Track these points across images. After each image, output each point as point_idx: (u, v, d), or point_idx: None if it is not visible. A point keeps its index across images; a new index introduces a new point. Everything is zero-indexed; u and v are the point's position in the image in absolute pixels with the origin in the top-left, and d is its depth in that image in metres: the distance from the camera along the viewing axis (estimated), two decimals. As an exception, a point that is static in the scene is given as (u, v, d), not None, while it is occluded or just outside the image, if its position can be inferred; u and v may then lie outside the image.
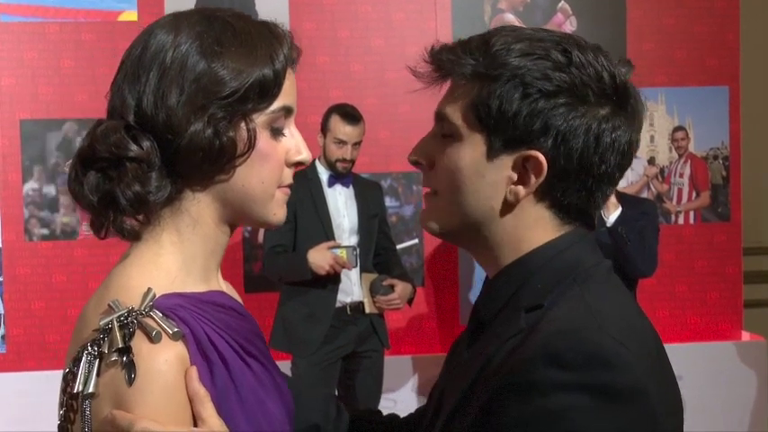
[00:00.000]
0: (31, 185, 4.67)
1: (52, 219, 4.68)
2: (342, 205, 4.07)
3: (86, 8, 4.67)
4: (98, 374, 1.06)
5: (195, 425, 1.07)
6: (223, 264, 1.28)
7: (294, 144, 1.20)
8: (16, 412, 4.40)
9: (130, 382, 1.03)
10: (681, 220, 5.04)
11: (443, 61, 1.16)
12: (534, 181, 1.14)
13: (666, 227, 4.83)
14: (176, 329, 1.07)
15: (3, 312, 4.65)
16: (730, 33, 4.97)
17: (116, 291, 1.11)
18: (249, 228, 4.59)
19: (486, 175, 1.15)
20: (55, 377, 5.00)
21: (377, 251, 4.19)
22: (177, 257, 1.16)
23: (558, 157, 1.12)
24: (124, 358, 1.04)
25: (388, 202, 4.73)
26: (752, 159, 5.14)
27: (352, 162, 4.02)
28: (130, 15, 4.69)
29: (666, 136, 5.00)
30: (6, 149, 4.64)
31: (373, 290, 3.99)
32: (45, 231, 4.68)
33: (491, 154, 1.15)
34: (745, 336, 5.02)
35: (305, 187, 3.98)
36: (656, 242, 3.84)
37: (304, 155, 1.21)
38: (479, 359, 1.14)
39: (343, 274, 3.95)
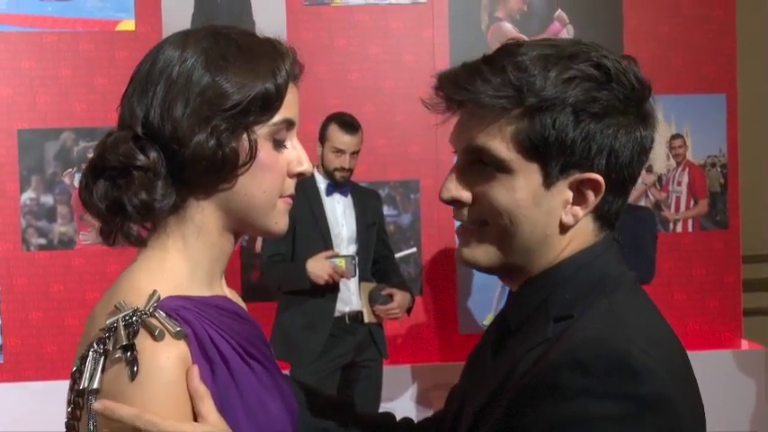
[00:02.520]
0: (28, 195, 4.67)
1: (50, 228, 4.68)
2: (340, 214, 4.07)
3: (84, 18, 4.68)
4: (103, 371, 1.11)
5: (196, 421, 1.11)
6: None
7: (296, 155, 1.25)
8: (14, 424, 4.39)
9: (133, 377, 1.07)
10: (679, 228, 5.04)
11: (474, 90, 1.14)
12: (593, 200, 1.16)
13: (665, 235, 4.83)
14: (179, 329, 1.11)
15: (0, 323, 4.64)
16: (727, 40, 4.98)
17: (123, 293, 1.17)
18: (247, 236, 4.59)
19: (543, 203, 1.16)
20: (53, 388, 5.00)
21: (375, 260, 4.19)
22: (182, 263, 1.21)
23: (611, 173, 1.15)
24: (128, 354, 1.09)
25: (387, 210, 4.73)
26: (750, 167, 5.14)
27: (351, 171, 4.02)
28: (128, 25, 4.69)
29: (664, 144, 5.00)
30: (4, 159, 4.64)
31: (372, 299, 3.98)
32: (42, 241, 4.67)
33: (548, 182, 1.15)
34: (745, 344, 5.01)
35: (303, 196, 3.98)
36: (653, 250, 3.83)
37: (305, 166, 1.26)
38: (505, 365, 1.16)
39: (342, 283, 3.95)
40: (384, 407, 4.29)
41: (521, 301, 1.21)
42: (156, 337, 1.09)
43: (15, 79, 4.65)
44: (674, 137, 5.01)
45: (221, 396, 1.15)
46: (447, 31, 4.85)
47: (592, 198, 1.15)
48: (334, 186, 4.04)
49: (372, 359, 4.11)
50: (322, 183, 4.06)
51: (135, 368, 1.08)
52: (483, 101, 1.14)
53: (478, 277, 4.82)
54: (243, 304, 1.38)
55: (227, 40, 1.20)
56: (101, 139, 1.21)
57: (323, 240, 3.96)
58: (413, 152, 4.76)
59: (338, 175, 3.99)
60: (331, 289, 3.91)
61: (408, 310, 4.09)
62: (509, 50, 1.17)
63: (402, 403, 4.70)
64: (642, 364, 1.02)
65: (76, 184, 4.63)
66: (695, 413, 1.10)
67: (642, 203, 4.92)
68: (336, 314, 3.98)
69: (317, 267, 3.81)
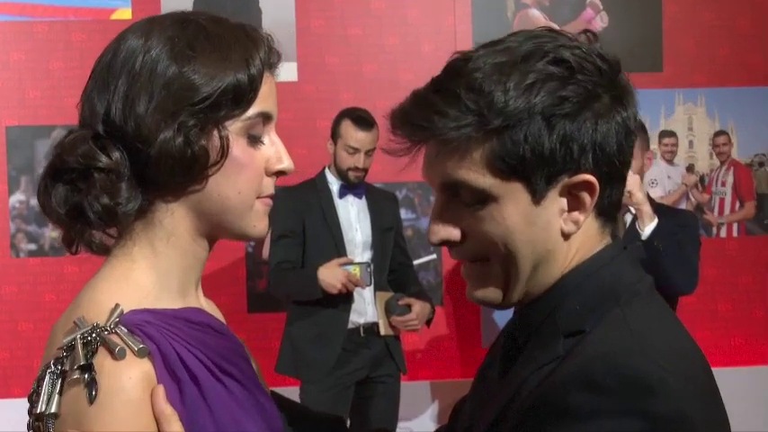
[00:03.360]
0: (17, 197, 4.69)
1: (40, 233, 4.70)
2: (354, 218, 4.07)
3: (77, 6, 4.71)
4: (60, 393, 1.09)
5: None
6: (224, 282, 1.29)
7: (274, 152, 1.24)
8: (1, 443, 4.41)
9: (92, 400, 1.06)
10: (723, 233, 5.02)
11: (433, 126, 1.14)
12: (590, 202, 1.15)
13: (708, 240, 4.81)
14: (141, 346, 1.10)
15: (-13, 335, 4.67)
16: (776, 29, 4.97)
17: (84, 307, 1.15)
18: (252, 242, 4.60)
19: (538, 221, 1.15)
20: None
21: (392, 267, 4.19)
22: (150, 272, 1.20)
23: (601, 168, 1.14)
24: (86, 375, 1.07)
25: (404, 214, 4.72)
26: (801, 166, 5.12)
27: (365, 171, 4.02)
28: (124, 13, 4.72)
29: (707, 141, 4.98)
30: (-9, 158, 4.67)
31: (388, 310, 3.98)
32: (33, 247, 4.70)
33: (537, 198, 1.14)
34: (795, 359, 4.99)
35: (314, 198, 3.98)
36: (696, 257, 3.81)
37: (285, 164, 1.24)
38: (512, 384, 1.15)
39: (356, 292, 3.95)
40: (402, 426, 4.29)
41: (528, 315, 1.21)
42: (117, 355, 1.08)
43: (3, 72, 4.68)
44: (717, 133, 4.99)
45: (190, 417, 1.13)
46: (470, 18, 4.85)
47: (588, 199, 1.14)
48: (348, 188, 4.05)
49: (389, 375, 4.10)
50: (334, 184, 4.06)
51: (93, 391, 1.06)
52: (445, 136, 1.13)
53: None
54: (221, 316, 1.36)
55: (195, 26, 1.18)
56: (59, 138, 1.20)
57: (335, 246, 3.96)
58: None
59: (352, 175, 3.99)
60: (344, 299, 3.91)
61: (428, 322, 4.08)
62: (457, 70, 1.16)
63: (421, 422, 4.70)
64: (658, 379, 1.01)
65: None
66: (716, 429, 1.09)
67: (683, 206, 4.90)
68: (350, 326, 3.99)
69: (330, 275, 3.81)
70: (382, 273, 4.09)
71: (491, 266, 1.20)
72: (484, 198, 1.15)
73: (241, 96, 1.17)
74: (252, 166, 1.20)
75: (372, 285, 3.98)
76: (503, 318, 4.82)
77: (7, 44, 4.68)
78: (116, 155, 1.15)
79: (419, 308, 3.98)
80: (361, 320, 4.02)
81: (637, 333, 1.08)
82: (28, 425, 1.14)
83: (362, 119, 3.98)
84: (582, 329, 1.12)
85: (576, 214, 1.16)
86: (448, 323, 4.91)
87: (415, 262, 4.62)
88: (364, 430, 1.40)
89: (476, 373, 1.39)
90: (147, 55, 1.15)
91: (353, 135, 3.95)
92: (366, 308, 4.03)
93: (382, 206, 4.15)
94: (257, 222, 1.24)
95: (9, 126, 4.67)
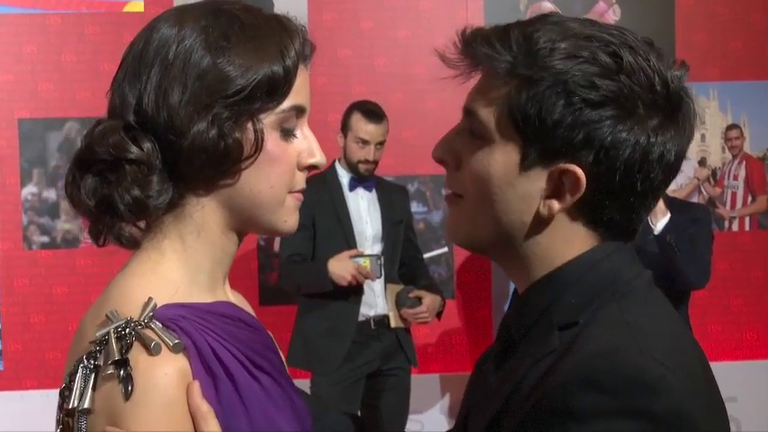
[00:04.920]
0: (29, 190, 4.71)
1: (53, 226, 4.72)
2: (364, 211, 4.07)
3: (89, -2, 4.71)
4: (94, 389, 1.07)
5: None
6: (235, 274, 1.28)
7: (307, 146, 1.21)
8: (14, 434, 4.44)
9: (127, 396, 1.04)
10: (735, 227, 5.00)
11: (476, 51, 1.14)
12: (570, 198, 1.12)
13: (720, 234, 4.79)
14: (177, 341, 1.08)
15: (0, 327, 4.69)
16: (789, 22, 4.94)
17: (115, 301, 1.13)
18: (265, 235, 4.60)
19: (518, 186, 1.14)
20: (55, 397, 4.98)
21: (402, 260, 4.19)
22: (180, 266, 1.18)
23: (600, 172, 1.11)
24: (121, 371, 1.05)
25: (415, 207, 4.72)
26: (814, 160, 5.10)
27: (375, 163, 4.02)
28: (137, 6, 4.72)
29: (719, 135, 4.96)
30: (4, 151, 4.69)
31: (399, 302, 3.98)
32: (45, 239, 4.71)
33: (525, 164, 1.13)
34: (808, 353, 4.98)
35: (324, 191, 3.98)
36: (709, 251, 3.81)
37: (317, 158, 1.22)
38: (509, 381, 1.14)
39: (367, 285, 3.95)
40: (412, 419, 4.29)
41: (523, 309, 1.19)
42: (152, 350, 1.05)
43: (16, 65, 4.69)
44: (729, 127, 4.97)
45: (225, 413, 1.11)
46: (482, 12, 4.84)
47: (569, 195, 1.12)
48: (358, 180, 4.05)
49: (400, 367, 4.11)
50: (345, 177, 4.06)
51: (129, 386, 1.04)
52: (479, 61, 1.14)
53: (515, 280, 4.80)
54: (250, 309, 1.34)
55: (229, 17, 1.15)
56: (89, 128, 1.18)
57: (345, 239, 3.96)
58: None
59: (362, 167, 3.99)
60: (355, 291, 3.92)
61: (438, 315, 4.09)
62: (533, 19, 1.16)
63: (431, 415, 4.70)
64: (658, 377, 1.00)
65: (81, 177, 4.66)
66: (716, 426, 1.08)
67: (695, 200, 4.89)
68: (360, 318, 3.99)
69: (340, 268, 3.81)
70: (393, 265, 4.09)
71: (463, 204, 1.19)
72: (483, 135, 1.15)
73: (275, 89, 1.14)
74: (284, 160, 1.18)
75: (383, 278, 3.98)
76: (514, 311, 4.81)
77: (20, 36, 4.69)
78: (147, 146, 1.12)
79: (430, 300, 3.99)
80: (372, 313, 4.02)
81: (635, 329, 1.07)
82: (57, 420, 1.13)
83: (372, 111, 3.98)
84: (576, 321, 1.11)
85: (553, 202, 1.13)
86: (459, 316, 4.91)
87: (427, 255, 4.62)
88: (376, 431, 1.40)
89: (472, 369, 1.38)
90: (181, 45, 1.12)
91: (363, 128, 3.95)
92: (376, 300, 4.03)
93: (393, 199, 4.15)
94: (288, 217, 1.22)
95: (21, 118, 4.69)
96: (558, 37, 1.11)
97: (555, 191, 1.13)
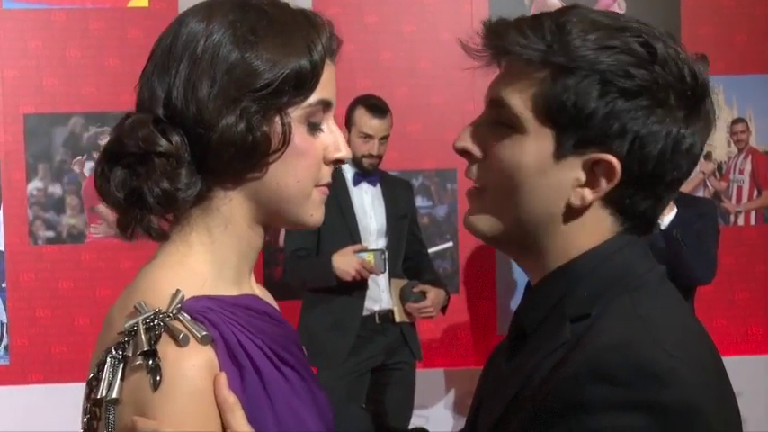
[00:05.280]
0: (35, 185, 4.71)
1: (58, 220, 4.72)
2: (368, 205, 4.07)
3: (94, -7, 4.71)
4: (122, 379, 1.08)
5: None
6: (243, 269, 1.28)
7: (333, 140, 1.23)
8: (20, 428, 4.44)
9: (155, 387, 1.05)
10: (741, 221, 5.00)
11: (507, 40, 1.14)
12: (605, 186, 1.13)
13: (725, 228, 4.78)
14: (205, 333, 1.09)
15: (6, 321, 4.70)
16: (795, 16, 4.93)
17: (143, 292, 1.14)
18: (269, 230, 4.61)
19: (550, 175, 1.14)
20: (61, 391, 5.03)
21: (407, 255, 4.19)
22: (207, 259, 1.19)
23: (632, 162, 1.12)
24: (149, 362, 1.06)
25: (420, 201, 4.72)
26: (820, 154, 5.09)
27: (380, 158, 4.02)
28: (141, 1, 4.72)
29: (725, 129, 4.95)
30: (9, 146, 4.69)
31: (403, 297, 3.99)
32: (50, 234, 4.72)
33: (559, 153, 1.13)
34: (813, 348, 4.97)
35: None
36: (715, 246, 3.80)
37: (343, 152, 1.23)
38: (520, 373, 1.14)
39: (371, 279, 3.95)
40: (417, 414, 4.30)
41: (536, 301, 1.20)
42: (180, 342, 1.07)
43: (21, 60, 4.69)
44: (735, 121, 4.96)
45: (251, 405, 1.12)
46: (487, 5, 4.83)
47: (604, 183, 1.13)
48: (362, 175, 4.05)
49: (405, 361, 4.11)
50: (349, 171, 4.06)
51: (158, 377, 1.05)
52: (512, 51, 1.13)
53: (520, 274, 4.80)
54: (274, 303, 1.36)
55: (256, 11, 1.17)
56: (117, 121, 1.19)
57: (350, 234, 3.96)
58: (450, 138, 4.69)
59: (366, 162, 3.99)
60: (359, 286, 3.92)
61: (443, 309, 4.09)
62: (561, 10, 1.16)
63: (436, 410, 4.70)
64: (669, 368, 1.00)
65: (86, 172, 4.67)
66: (728, 420, 1.08)
67: (700, 194, 4.88)
68: (365, 313, 3.99)
69: (344, 262, 3.81)
70: (397, 260, 4.10)
71: (490, 196, 1.19)
72: (515, 124, 1.15)
73: (303, 83, 1.16)
74: (311, 154, 1.19)
75: (387, 272, 3.98)
76: (519, 306, 4.81)
77: (25, 32, 4.69)
78: (176, 139, 1.14)
79: (434, 294, 3.99)
80: (376, 307, 4.02)
81: (647, 321, 1.07)
82: (84, 409, 1.14)
83: (376, 106, 3.98)
84: (588, 313, 1.11)
85: (586, 191, 1.14)
86: (464, 311, 4.91)
87: (431, 250, 4.62)
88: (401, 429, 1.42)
89: (485, 362, 1.39)
90: (210, 39, 1.14)
91: (367, 122, 3.95)
92: (381, 295, 4.03)
93: (397, 194, 4.15)
94: (314, 211, 1.23)
95: (26, 113, 4.69)
96: (590, 27, 1.12)
97: (588, 181, 1.14)
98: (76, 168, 4.70)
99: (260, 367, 1.15)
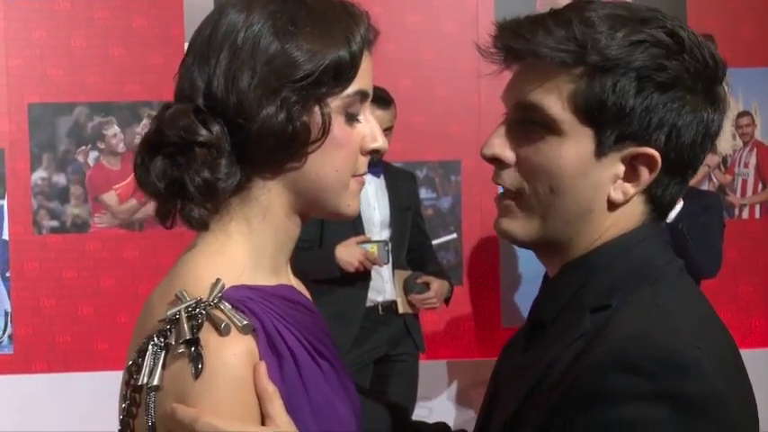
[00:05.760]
0: (39, 174, 4.72)
1: (62, 210, 4.73)
2: (372, 197, 4.06)
3: (99, -17, 4.71)
4: (164, 367, 1.10)
5: (263, 423, 1.10)
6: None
7: (369, 131, 1.24)
8: (23, 417, 4.46)
9: (197, 375, 1.07)
10: (745, 214, 4.99)
11: (534, 41, 1.13)
12: (647, 178, 1.14)
13: (730, 221, 4.76)
14: (246, 322, 1.10)
15: (10, 310, 4.71)
16: (802, 8, 4.91)
17: (183, 281, 1.15)
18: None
19: (591, 174, 1.15)
20: (65, 380, 5.03)
21: (411, 247, 4.18)
22: (246, 248, 1.20)
23: (669, 152, 1.13)
24: (192, 350, 1.08)
25: (424, 193, 4.72)
26: (825, 147, 5.07)
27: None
28: (146, -9, 4.71)
29: (730, 122, 4.94)
30: (14, 135, 4.69)
31: (407, 288, 3.99)
32: (55, 224, 4.73)
33: (599, 151, 1.14)
34: (817, 341, 4.96)
35: (332, 177, 3.98)
36: (720, 239, 3.79)
37: (380, 142, 1.24)
38: (539, 363, 1.15)
39: (374, 271, 3.95)
40: (420, 405, 4.30)
41: (554, 291, 1.20)
42: (222, 331, 1.08)
43: (25, 50, 4.69)
44: (741, 114, 4.95)
45: (288, 395, 1.13)
46: (491, -3, 4.82)
47: (646, 175, 1.14)
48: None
49: (408, 353, 4.11)
50: (353, 162, 4.05)
51: (199, 365, 1.07)
52: (542, 52, 1.12)
53: (524, 267, 4.80)
54: (306, 293, 1.37)
55: (296, 2, 1.18)
56: (157, 111, 1.20)
57: (353, 225, 3.95)
58: (454, 130, 4.75)
59: (370, 153, 3.98)
60: (362, 277, 3.92)
61: (446, 300, 4.09)
62: (579, 6, 1.16)
63: (439, 401, 4.70)
64: (692, 360, 1.01)
65: (90, 162, 4.67)
66: (749, 411, 1.09)
67: (705, 187, 4.87)
68: (368, 304, 3.99)
69: (347, 254, 3.81)
70: (401, 251, 4.09)
71: (527, 201, 1.18)
72: (551, 128, 1.14)
73: (342, 74, 1.17)
74: (349, 145, 1.20)
75: (390, 264, 3.98)
76: (523, 298, 4.82)
77: (29, 21, 4.69)
78: (216, 129, 1.15)
79: (437, 286, 3.99)
80: (380, 298, 4.02)
81: (668, 313, 1.08)
82: (123, 395, 1.15)
83: (380, 97, 3.96)
84: (608, 304, 1.12)
85: (627, 185, 1.15)
86: (467, 302, 4.91)
87: (435, 241, 4.61)
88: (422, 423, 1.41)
89: (499, 354, 1.38)
90: (250, 30, 1.15)
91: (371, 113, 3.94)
92: (384, 286, 4.03)
93: (400, 185, 4.15)
94: (351, 201, 1.24)
95: (31, 103, 4.69)
96: (615, 23, 1.12)
97: (627, 175, 1.15)
98: (81, 158, 4.70)
99: (297, 357, 1.16)
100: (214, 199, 1.17)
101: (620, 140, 1.13)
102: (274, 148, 1.15)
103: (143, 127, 4.60)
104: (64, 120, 4.70)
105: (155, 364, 1.10)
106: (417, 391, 4.19)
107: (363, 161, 1.24)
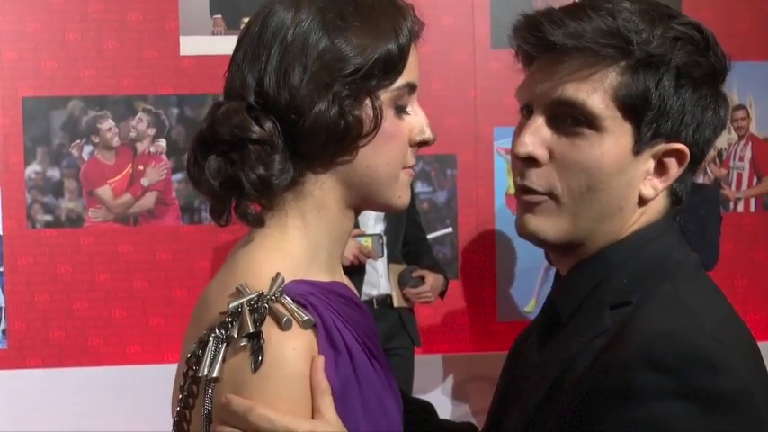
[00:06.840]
0: (33, 168, 4.70)
1: (56, 204, 4.71)
2: (367, 190, 4.06)
3: (93, -24, 4.69)
4: (224, 359, 1.11)
5: (313, 417, 1.11)
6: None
7: (418, 122, 1.26)
8: (17, 413, 4.45)
9: (256, 368, 1.08)
10: (741, 208, 4.99)
11: (578, 36, 1.12)
12: (675, 173, 1.15)
13: (725, 215, 4.77)
14: (307, 317, 1.11)
15: (3, 306, 4.69)
16: (797, 2, 4.91)
17: (243, 274, 1.16)
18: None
19: (627, 171, 1.14)
20: (59, 375, 5.02)
21: (406, 240, 4.18)
22: (302, 244, 1.22)
23: (694, 146, 1.15)
24: (253, 343, 1.09)
25: (420, 187, 4.72)
26: (820, 141, 5.07)
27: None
28: (140, -16, 4.70)
29: (725, 115, 4.94)
30: (7, 129, 4.68)
31: (402, 281, 3.99)
32: (49, 218, 4.72)
33: (636, 148, 1.14)
34: (812, 335, 4.97)
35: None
36: (717, 233, 3.80)
37: (428, 134, 1.26)
38: (559, 360, 1.14)
39: (369, 264, 3.95)
40: (416, 400, 4.29)
41: (571, 287, 1.19)
42: (284, 326, 1.09)
43: (19, 43, 4.67)
44: (735, 108, 4.95)
45: (342, 390, 1.14)
46: (487, -10, 4.81)
47: (675, 171, 1.15)
48: (363, 160, 4.03)
49: (404, 347, 4.12)
50: (349, 156, 4.05)
51: (260, 358, 1.08)
52: (588, 46, 1.11)
53: (520, 261, 4.80)
54: (354, 289, 1.37)
55: None
56: (209, 110, 1.21)
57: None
58: (450, 124, 4.74)
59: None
60: (357, 271, 3.90)
61: (442, 294, 4.10)
62: (615, 2, 1.14)
63: (435, 395, 4.70)
64: (719, 356, 1.01)
65: (85, 156, 4.66)
66: None
67: (700, 181, 4.88)
68: (363, 298, 3.96)
69: (343, 247, 3.80)
70: (396, 245, 4.09)
71: (559, 199, 1.17)
72: (592, 125, 1.13)
73: (391, 67, 1.18)
74: (399, 137, 1.22)
75: (385, 257, 3.98)
76: (518, 292, 4.82)
77: (24, 15, 4.67)
78: (269, 126, 1.16)
79: (432, 279, 3.99)
80: (374, 292, 4.02)
81: (689, 308, 1.07)
82: (181, 386, 1.17)
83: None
84: (629, 301, 1.12)
85: (657, 181, 1.15)
86: (463, 297, 4.90)
87: (431, 235, 4.61)
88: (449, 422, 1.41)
89: (509, 351, 1.38)
90: (299, 27, 1.16)
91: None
92: (379, 280, 4.03)
93: (396, 179, 4.14)
94: (402, 193, 1.25)
95: (25, 97, 4.67)
96: (650, 16, 1.12)
97: (657, 170, 1.16)
98: (75, 152, 4.69)
99: (353, 353, 1.17)
100: (269, 195, 1.18)
101: (654, 137, 1.13)
102: (327, 143, 1.16)
103: (137, 121, 4.60)
104: (58, 113, 4.68)
105: (215, 356, 1.11)
106: (413, 385, 4.19)
107: (412, 153, 1.26)
